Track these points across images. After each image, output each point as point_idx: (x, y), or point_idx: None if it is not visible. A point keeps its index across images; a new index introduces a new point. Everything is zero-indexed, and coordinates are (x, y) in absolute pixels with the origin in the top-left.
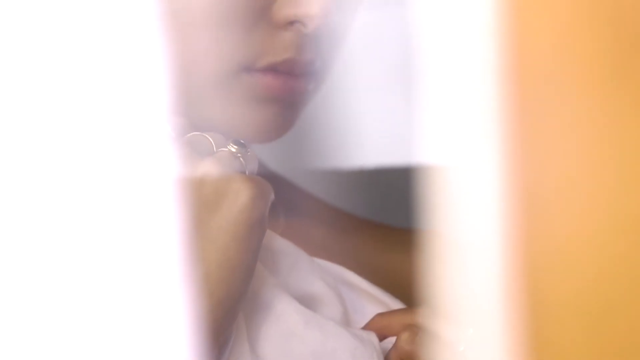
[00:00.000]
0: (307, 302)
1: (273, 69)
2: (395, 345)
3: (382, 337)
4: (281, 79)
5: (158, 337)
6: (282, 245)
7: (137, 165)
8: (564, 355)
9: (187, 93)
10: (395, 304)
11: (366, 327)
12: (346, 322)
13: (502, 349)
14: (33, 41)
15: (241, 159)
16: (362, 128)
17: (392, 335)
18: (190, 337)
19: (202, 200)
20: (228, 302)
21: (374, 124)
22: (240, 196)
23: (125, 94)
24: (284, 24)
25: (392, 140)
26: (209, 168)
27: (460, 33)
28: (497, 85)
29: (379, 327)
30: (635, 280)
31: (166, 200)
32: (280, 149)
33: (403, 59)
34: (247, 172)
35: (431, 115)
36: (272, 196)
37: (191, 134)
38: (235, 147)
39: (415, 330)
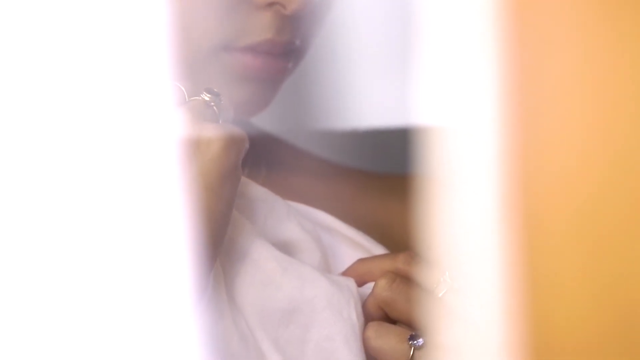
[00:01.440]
0: (284, 248)
1: (252, 49)
2: (372, 292)
3: (362, 283)
4: (260, 59)
5: (133, 283)
6: (258, 193)
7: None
8: (558, 303)
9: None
10: (377, 249)
11: (346, 273)
12: (325, 267)
13: (495, 295)
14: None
15: (214, 107)
16: (358, 89)
17: (373, 280)
18: (168, 285)
19: (174, 150)
20: (204, 251)
21: (370, 85)
22: (211, 146)
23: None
24: (263, 5)
25: (388, 102)
26: (180, 117)
27: None
28: (494, 43)
29: (359, 272)
30: (631, 209)
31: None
32: (276, 110)
33: (400, 19)
34: (220, 121)
35: (428, 74)
36: (246, 145)
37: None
38: (209, 95)
39: (392, 276)
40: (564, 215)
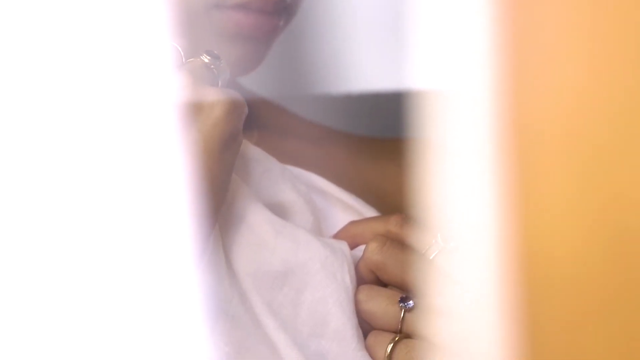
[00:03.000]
0: (277, 210)
1: (244, 7)
2: (363, 255)
3: (354, 245)
4: (252, 16)
5: (134, 244)
6: (254, 153)
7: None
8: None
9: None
10: (370, 212)
11: (338, 235)
12: (317, 230)
13: (488, 256)
14: None
15: (214, 69)
16: (351, 53)
17: (364, 243)
18: (168, 248)
19: (176, 113)
20: (204, 215)
21: (363, 48)
22: (214, 110)
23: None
24: None
25: (382, 65)
26: (181, 80)
27: None
28: (488, 5)
29: (351, 235)
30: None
31: (142, 114)
32: (270, 74)
33: None
34: (219, 84)
35: (422, 37)
36: (245, 110)
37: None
38: (209, 57)
39: (382, 239)
40: (559, 173)
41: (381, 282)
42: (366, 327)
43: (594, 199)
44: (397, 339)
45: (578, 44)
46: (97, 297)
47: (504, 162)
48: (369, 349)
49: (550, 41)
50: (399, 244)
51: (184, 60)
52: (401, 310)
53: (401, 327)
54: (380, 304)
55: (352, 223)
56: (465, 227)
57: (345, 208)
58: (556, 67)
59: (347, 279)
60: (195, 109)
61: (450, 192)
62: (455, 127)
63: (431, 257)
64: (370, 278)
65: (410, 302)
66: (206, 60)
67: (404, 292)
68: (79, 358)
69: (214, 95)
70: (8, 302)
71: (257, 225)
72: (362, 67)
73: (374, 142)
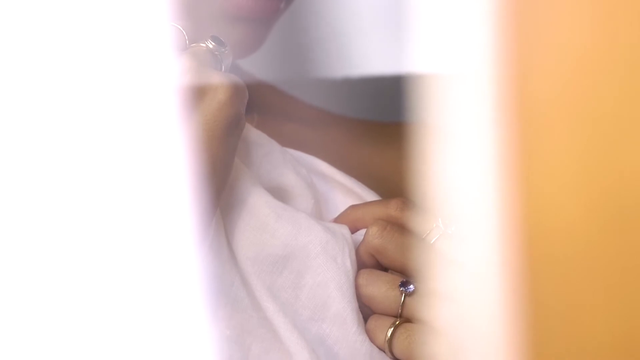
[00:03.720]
0: (277, 193)
1: None
2: (363, 239)
3: (354, 230)
4: None
5: (137, 228)
6: (255, 136)
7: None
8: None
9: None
10: (371, 196)
11: (338, 219)
12: (317, 214)
13: (489, 242)
14: None
15: (218, 55)
16: (352, 37)
17: (365, 227)
18: (171, 231)
19: (180, 97)
20: (207, 198)
21: (364, 32)
22: (218, 94)
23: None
24: None
25: (383, 49)
26: (185, 63)
27: None
28: None
29: (351, 219)
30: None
31: (146, 97)
32: (271, 58)
33: None
34: (222, 69)
35: (423, 21)
36: (247, 95)
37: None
38: (213, 43)
39: (383, 224)
40: (561, 157)
41: (382, 267)
42: (367, 311)
43: (595, 178)
44: (397, 323)
45: (580, 24)
46: (98, 279)
47: (504, 146)
48: (369, 333)
49: (551, 23)
50: (400, 228)
51: (187, 42)
52: (401, 294)
53: (401, 312)
54: (381, 289)
55: (353, 207)
56: (466, 211)
57: (346, 192)
58: (557, 47)
59: (347, 263)
60: (200, 93)
61: (451, 176)
62: (455, 110)
63: (432, 242)
64: (370, 262)
65: (411, 286)
66: (211, 46)
67: (405, 277)
68: (79, 345)
69: (219, 79)
70: (7, 297)
71: (257, 208)
72: (362, 51)
73: (374, 126)
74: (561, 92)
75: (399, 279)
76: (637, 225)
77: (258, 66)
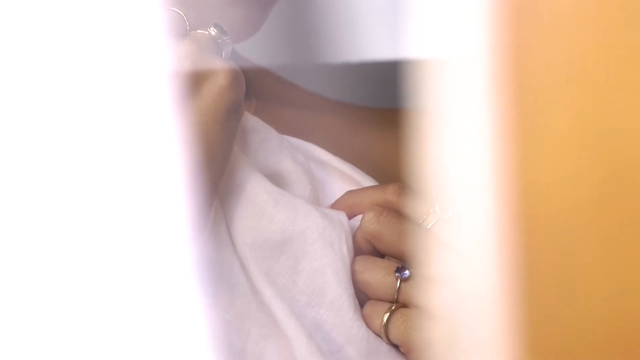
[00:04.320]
0: (274, 179)
1: None
2: (360, 225)
3: (352, 215)
4: None
5: (137, 214)
6: (251, 122)
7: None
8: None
9: None
10: (368, 182)
11: (336, 205)
12: (315, 200)
13: (487, 227)
14: None
15: (219, 42)
16: (350, 22)
17: (362, 212)
18: (171, 217)
19: (181, 81)
20: (208, 185)
21: (362, 17)
22: (219, 79)
23: None
24: None
25: (381, 34)
26: (187, 48)
27: None
28: None
29: (349, 204)
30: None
31: (147, 81)
32: (268, 43)
33: None
34: (222, 56)
35: (420, 6)
36: (244, 82)
37: (165, 9)
38: (215, 31)
39: (379, 209)
40: (559, 144)
41: (379, 252)
42: (363, 297)
43: (593, 165)
44: (393, 308)
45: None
46: (96, 265)
47: (501, 131)
48: (365, 319)
49: (547, 7)
50: (396, 214)
51: (187, 27)
52: (397, 280)
53: (397, 297)
54: (377, 275)
55: (350, 192)
56: (462, 196)
57: (343, 178)
58: (555, 31)
59: (344, 249)
60: (200, 78)
61: (448, 162)
62: (453, 96)
63: (428, 227)
64: (367, 248)
65: (406, 272)
66: (213, 33)
67: (401, 262)
68: (80, 335)
69: (219, 65)
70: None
71: (255, 194)
72: (361, 37)
73: (372, 112)
74: (559, 78)
75: (394, 265)
76: (633, 184)
77: (256, 52)
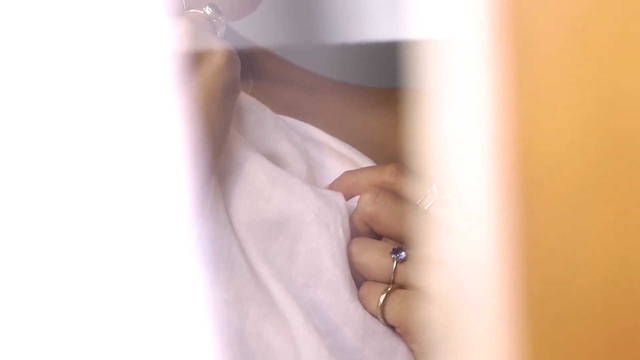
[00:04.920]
0: (270, 160)
1: None
2: (357, 207)
3: (349, 196)
4: None
5: (136, 192)
6: (247, 102)
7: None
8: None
9: None
10: (366, 163)
11: (333, 185)
12: (311, 180)
13: (485, 208)
14: None
15: (215, 22)
16: (348, 2)
17: (360, 193)
18: (170, 195)
19: (179, 60)
20: (206, 163)
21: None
22: (216, 57)
23: None
24: None
25: (379, 14)
26: (185, 27)
27: None
28: None
29: (346, 184)
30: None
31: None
32: (266, 23)
33: None
34: (217, 35)
35: None
36: (239, 61)
37: None
38: (211, 10)
39: (376, 190)
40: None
41: (376, 234)
42: (360, 279)
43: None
44: (389, 289)
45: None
46: (97, 246)
47: (500, 111)
48: (361, 300)
49: None
50: (393, 195)
51: (184, 6)
52: (393, 261)
53: (394, 278)
54: (373, 256)
55: (348, 173)
56: (461, 177)
57: (340, 158)
58: (555, 9)
59: (340, 231)
60: (198, 56)
61: (447, 142)
62: (452, 76)
63: (426, 208)
64: (364, 229)
65: (402, 253)
66: (208, 13)
67: (397, 244)
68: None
69: (216, 44)
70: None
71: (253, 174)
72: (359, 16)
73: (370, 92)
74: (560, 54)
75: (391, 247)
76: (634, 150)
77: (254, 31)
